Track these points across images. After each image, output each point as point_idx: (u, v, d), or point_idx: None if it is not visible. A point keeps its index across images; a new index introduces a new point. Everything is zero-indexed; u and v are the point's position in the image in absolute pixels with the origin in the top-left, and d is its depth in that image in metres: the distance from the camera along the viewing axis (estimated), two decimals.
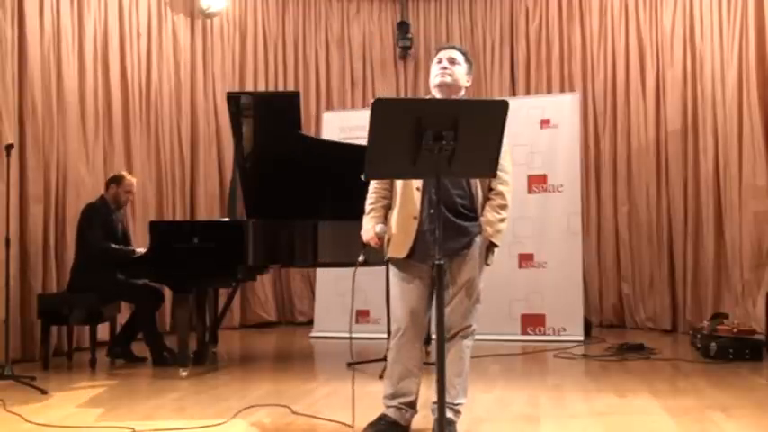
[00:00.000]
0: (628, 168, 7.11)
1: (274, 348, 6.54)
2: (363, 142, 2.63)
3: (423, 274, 3.08)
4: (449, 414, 2.97)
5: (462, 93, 3.22)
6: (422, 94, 7.49)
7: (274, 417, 3.59)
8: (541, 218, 6.45)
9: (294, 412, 3.63)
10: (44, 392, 4.19)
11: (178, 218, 7.07)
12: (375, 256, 3.30)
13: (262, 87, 7.77)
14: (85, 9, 6.20)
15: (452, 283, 3.06)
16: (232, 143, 5.43)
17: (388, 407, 3.14)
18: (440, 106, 2.81)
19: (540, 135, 6.56)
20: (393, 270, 3.18)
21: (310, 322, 7.18)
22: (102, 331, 5.56)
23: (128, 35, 6.69)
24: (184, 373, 4.72)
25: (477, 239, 3.09)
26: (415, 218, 3.06)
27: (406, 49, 7.97)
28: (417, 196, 3.06)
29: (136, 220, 6.57)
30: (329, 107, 7.94)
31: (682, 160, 6.67)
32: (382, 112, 2.49)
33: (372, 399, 3.52)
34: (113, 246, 5.25)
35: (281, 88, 7.86)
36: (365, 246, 3.18)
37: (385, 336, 4.47)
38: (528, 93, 7.56)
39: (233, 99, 5.11)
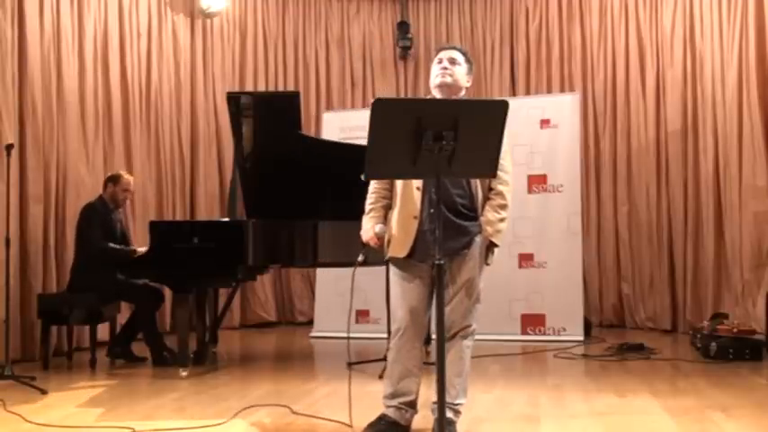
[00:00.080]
0: (628, 168, 7.11)
1: (274, 348, 6.54)
2: (363, 142, 2.63)
3: (423, 273, 3.08)
4: (449, 414, 2.97)
5: (463, 93, 3.22)
6: (422, 94, 7.49)
7: (274, 417, 3.59)
8: (541, 218, 6.45)
9: (294, 412, 3.63)
10: (44, 392, 4.19)
11: (178, 218, 7.07)
12: (375, 256, 3.30)
13: (262, 87, 7.77)
14: (85, 9, 6.20)
15: (452, 282, 3.06)
16: (232, 143, 5.43)
17: (388, 407, 3.14)
18: (440, 106, 2.81)
19: (540, 135, 6.56)
20: (393, 270, 3.18)
21: (310, 322, 7.18)
22: (102, 331, 5.56)
23: (128, 35, 6.69)
24: (184, 373, 4.72)
25: (478, 239, 3.09)
26: (415, 217, 3.06)
27: (406, 49, 7.97)
28: (417, 196, 3.06)
29: (136, 220, 6.58)
30: (329, 107, 7.94)
31: (682, 160, 6.67)
32: (382, 112, 2.49)
33: (372, 399, 3.53)
34: (113, 245, 5.24)
35: (281, 88, 7.86)
36: (365, 245, 3.18)
37: (385, 336, 4.47)
38: (528, 93, 7.56)
39: (233, 99, 5.11)
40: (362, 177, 2.65)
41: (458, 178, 3.02)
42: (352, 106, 7.91)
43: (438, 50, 3.26)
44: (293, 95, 5.51)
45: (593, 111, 7.33)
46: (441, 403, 2.54)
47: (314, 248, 5.03)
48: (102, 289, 5.16)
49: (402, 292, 3.12)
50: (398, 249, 3.09)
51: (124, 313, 5.77)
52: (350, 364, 4.48)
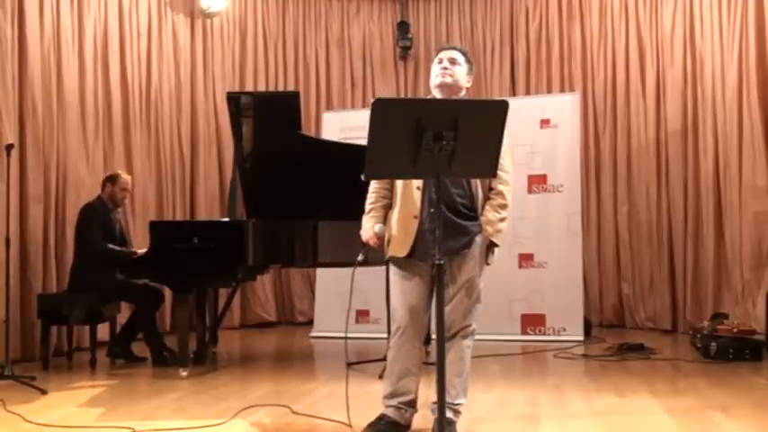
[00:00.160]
0: (628, 168, 7.11)
1: (274, 348, 6.54)
2: (363, 142, 2.63)
3: (423, 273, 3.08)
4: (449, 414, 2.97)
5: (463, 93, 3.22)
6: (422, 94, 7.49)
7: (274, 417, 3.59)
8: (541, 218, 6.45)
9: (294, 412, 3.63)
10: (44, 392, 4.19)
11: (178, 218, 7.07)
12: (375, 255, 3.30)
13: (262, 87, 7.77)
14: (85, 9, 6.20)
15: (452, 282, 3.06)
16: (232, 143, 5.43)
17: (388, 406, 3.14)
18: (440, 106, 2.81)
19: (540, 135, 6.56)
20: (393, 269, 3.19)
21: (310, 322, 7.18)
22: (102, 331, 5.56)
23: (128, 35, 6.69)
24: (184, 373, 4.72)
25: (478, 239, 3.09)
26: (415, 217, 3.06)
27: (406, 49, 7.97)
28: (417, 195, 3.06)
29: (136, 220, 6.58)
30: (329, 107, 7.94)
31: (682, 160, 6.67)
32: (382, 112, 2.49)
33: (372, 399, 3.53)
34: (112, 247, 5.24)
35: (281, 88, 7.86)
36: (364, 245, 3.18)
37: (385, 336, 4.47)
38: (528, 93, 7.56)
39: (233, 99, 5.11)
40: (362, 177, 2.65)
41: (458, 178, 3.02)
42: (352, 106, 7.91)
43: (438, 50, 3.27)
44: (293, 95, 5.51)
45: (593, 111, 7.33)
46: (441, 403, 2.54)
47: (314, 248, 5.03)
48: (102, 289, 5.16)
49: (402, 291, 3.12)
50: (398, 249, 3.09)
51: (124, 313, 5.77)
52: (349, 365, 4.48)
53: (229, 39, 7.66)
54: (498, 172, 2.82)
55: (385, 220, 3.18)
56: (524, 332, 6.33)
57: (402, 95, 7.84)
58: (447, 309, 2.94)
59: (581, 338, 6.14)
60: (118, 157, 6.48)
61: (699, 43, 6.51)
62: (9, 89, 5.27)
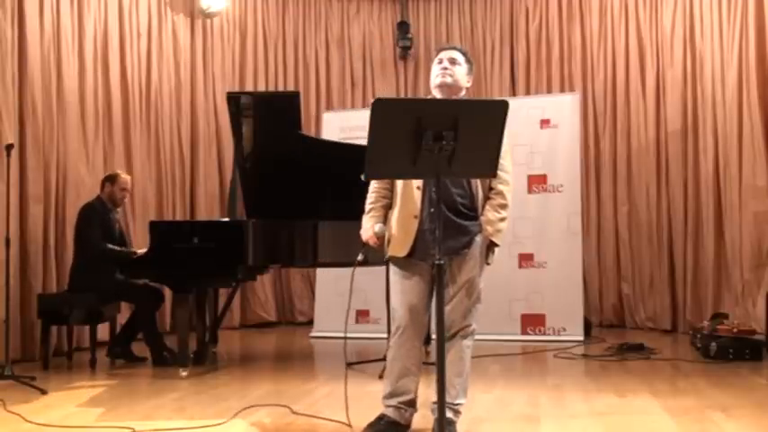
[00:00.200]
0: (628, 168, 7.11)
1: (274, 348, 6.54)
2: (363, 142, 2.63)
3: (423, 272, 3.08)
4: (449, 414, 2.97)
5: (463, 93, 3.22)
6: (422, 94, 7.49)
7: (274, 417, 3.59)
8: (541, 218, 6.45)
9: (294, 412, 3.63)
10: (44, 392, 4.19)
11: (178, 218, 7.07)
12: (375, 255, 3.30)
13: (262, 87, 7.77)
14: (85, 9, 6.20)
15: (452, 282, 3.07)
16: (232, 143, 5.43)
17: (387, 406, 3.14)
18: (440, 106, 2.81)
19: (540, 135, 6.56)
20: (393, 269, 3.19)
21: (310, 322, 7.18)
22: (102, 331, 5.56)
23: (128, 35, 6.69)
24: (184, 373, 4.72)
25: (478, 239, 3.09)
26: (415, 217, 3.06)
27: (406, 49, 7.97)
28: (418, 195, 3.06)
29: (136, 220, 6.58)
30: (329, 107, 7.94)
31: (682, 160, 6.67)
32: (382, 112, 2.49)
33: (372, 399, 3.53)
34: (112, 247, 5.24)
35: (281, 88, 7.86)
36: (364, 245, 3.18)
37: (385, 336, 4.47)
38: (528, 93, 7.56)
39: (233, 99, 5.11)
40: (362, 177, 2.65)
41: (458, 178, 3.02)
42: (352, 106, 7.91)
43: (438, 50, 3.27)
44: (293, 95, 5.51)
45: (593, 111, 7.33)
46: (441, 403, 2.54)
47: (314, 248, 5.03)
48: (102, 289, 5.16)
49: (402, 290, 3.12)
50: (398, 249, 3.09)
51: (124, 313, 5.77)
52: (348, 365, 4.48)
53: (229, 39, 7.66)
54: (498, 172, 2.82)
55: (385, 219, 3.18)
56: (524, 332, 6.33)
57: (402, 95, 7.84)
58: (447, 309, 2.94)
59: (581, 338, 6.14)
60: (118, 157, 6.48)
61: (699, 43, 6.51)
62: (9, 89, 5.27)
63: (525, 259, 6.44)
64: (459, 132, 2.47)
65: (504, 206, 3.12)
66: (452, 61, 3.16)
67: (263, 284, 7.54)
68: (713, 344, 5.08)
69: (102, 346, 5.49)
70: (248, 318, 7.60)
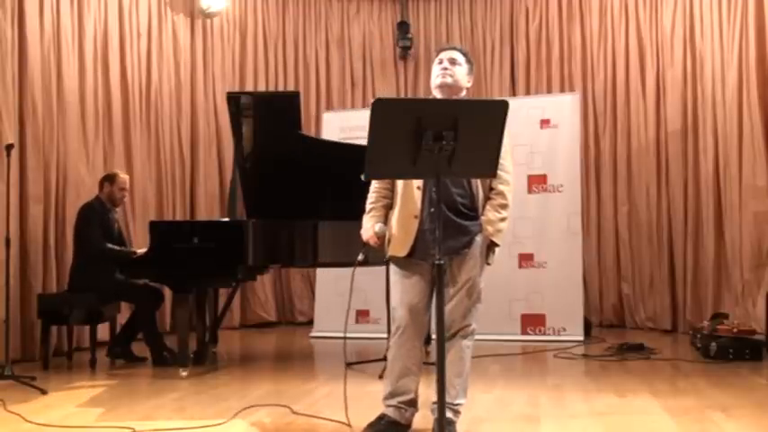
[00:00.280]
0: (628, 168, 7.11)
1: (274, 348, 6.54)
2: (363, 142, 2.63)
3: (423, 272, 3.08)
4: (449, 414, 2.97)
5: (463, 93, 3.22)
6: (422, 94, 7.50)
7: (274, 417, 3.59)
8: (541, 218, 6.45)
9: (294, 412, 3.63)
10: (44, 392, 4.19)
11: (178, 218, 7.07)
12: (375, 255, 3.30)
13: (262, 87, 7.77)
14: (85, 9, 6.20)
15: (452, 282, 3.07)
16: (232, 143, 5.43)
17: (388, 406, 3.14)
18: (440, 106, 2.81)
19: (540, 135, 6.56)
20: (393, 269, 3.19)
21: (310, 322, 7.18)
22: (102, 331, 5.55)
23: (128, 35, 6.69)
24: (184, 373, 4.72)
25: (478, 238, 3.09)
26: (415, 217, 3.06)
27: (406, 49, 7.97)
28: (418, 195, 3.06)
29: (136, 220, 6.58)
30: (329, 107, 7.94)
31: (682, 160, 6.67)
32: (382, 112, 2.49)
33: (372, 399, 3.53)
34: (111, 246, 5.24)
35: (281, 88, 7.86)
36: (365, 245, 3.18)
37: (385, 336, 4.47)
38: (528, 93, 7.56)
39: (233, 99, 5.11)
40: (362, 177, 2.65)
41: (458, 178, 3.02)
42: (352, 106, 7.91)
43: (438, 51, 3.27)
44: (293, 95, 5.51)
45: (593, 111, 7.33)
46: (441, 403, 2.54)
47: (314, 248, 5.04)
48: (102, 289, 5.16)
49: (402, 290, 3.12)
50: (399, 249, 3.09)
51: (124, 313, 5.77)
52: (348, 365, 4.48)
53: (229, 39, 7.66)
54: (499, 172, 2.82)
55: (386, 219, 3.18)
56: (524, 332, 6.33)
57: (402, 95, 7.84)
58: (447, 308, 2.94)
59: (581, 338, 6.14)
60: (118, 157, 6.48)
61: (699, 43, 6.51)
62: (9, 89, 5.27)
63: (525, 259, 6.44)
64: (459, 132, 2.47)
65: (504, 206, 3.12)
66: (453, 61, 3.16)
67: (263, 284, 7.54)
68: (713, 344, 5.08)
69: (102, 346, 5.49)
70: (248, 318, 7.60)
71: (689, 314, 6.47)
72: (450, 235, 2.88)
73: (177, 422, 3.48)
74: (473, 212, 3.09)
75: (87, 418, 3.61)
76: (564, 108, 6.60)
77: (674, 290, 6.74)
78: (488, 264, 3.16)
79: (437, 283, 2.52)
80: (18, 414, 3.62)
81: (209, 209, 7.35)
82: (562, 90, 7.39)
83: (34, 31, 5.58)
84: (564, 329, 6.24)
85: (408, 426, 3.16)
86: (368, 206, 3.23)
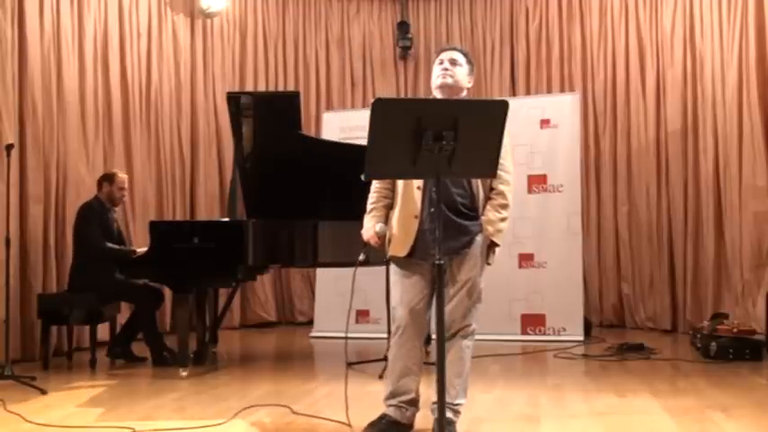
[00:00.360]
0: (628, 168, 7.11)
1: (274, 348, 6.54)
2: (363, 142, 2.63)
3: (423, 272, 3.08)
4: (449, 414, 2.97)
5: (464, 93, 3.23)
6: (422, 94, 7.50)
7: (274, 417, 3.59)
8: (541, 218, 6.45)
9: (294, 412, 3.63)
10: (44, 392, 4.19)
11: (178, 218, 7.07)
12: (376, 255, 3.30)
13: (262, 87, 7.77)
14: (85, 9, 6.20)
15: (453, 281, 3.07)
16: (232, 143, 5.43)
17: (389, 406, 3.14)
18: (440, 106, 2.81)
19: (540, 135, 6.56)
20: (394, 269, 3.19)
21: (310, 322, 7.18)
22: (102, 331, 5.55)
23: (128, 35, 6.69)
24: (184, 373, 4.72)
25: (478, 238, 3.09)
26: (415, 217, 3.06)
27: (406, 49, 7.97)
28: (418, 195, 3.07)
29: (136, 219, 6.58)
30: (329, 107, 7.94)
31: (682, 160, 6.67)
32: (382, 112, 2.49)
33: (372, 399, 3.53)
34: (111, 246, 5.24)
35: (281, 88, 7.86)
36: (365, 245, 3.18)
37: (385, 336, 4.47)
38: (528, 93, 7.56)
39: (233, 99, 5.11)
40: (362, 177, 2.65)
41: (458, 178, 3.02)
42: (352, 106, 7.91)
43: (439, 51, 3.27)
44: (293, 95, 5.51)
45: (593, 111, 7.33)
46: (441, 403, 2.54)
47: (314, 248, 5.03)
48: (102, 289, 5.16)
49: (402, 290, 3.12)
50: (399, 249, 3.10)
51: (124, 313, 5.77)
52: (348, 365, 4.48)
53: (229, 39, 7.66)
54: (499, 172, 2.83)
55: (386, 219, 3.18)
56: (524, 332, 6.33)
57: (402, 95, 7.84)
58: (447, 308, 2.95)
59: (581, 338, 6.14)
60: (118, 157, 6.48)
61: (699, 43, 6.51)
62: (9, 89, 5.27)
63: (525, 259, 6.44)
64: (459, 132, 2.47)
65: (504, 206, 3.12)
66: (453, 62, 3.16)
67: (263, 284, 7.54)
68: (713, 344, 5.08)
69: (102, 346, 5.49)
70: (248, 318, 7.60)
71: (689, 314, 6.47)
72: (450, 235, 2.88)
73: (177, 422, 3.48)
74: (473, 212, 3.09)
75: (87, 418, 3.61)
76: (564, 108, 6.60)
77: (674, 290, 6.74)
78: (488, 264, 3.16)
79: (437, 283, 2.52)
80: (18, 414, 3.62)
81: (209, 209, 7.35)
82: (562, 90, 7.39)
83: (34, 31, 5.58)
84: (564, 329, 6.24)
85: (410, 425, 3.16)
86: (369, 206, 3.23)
